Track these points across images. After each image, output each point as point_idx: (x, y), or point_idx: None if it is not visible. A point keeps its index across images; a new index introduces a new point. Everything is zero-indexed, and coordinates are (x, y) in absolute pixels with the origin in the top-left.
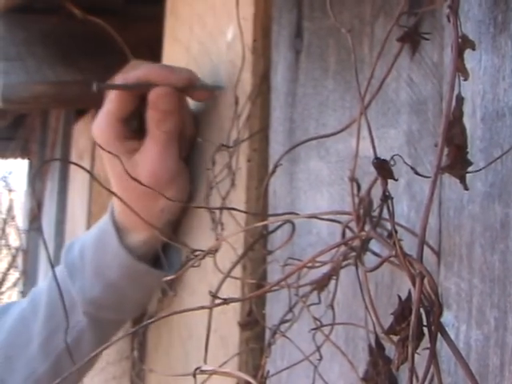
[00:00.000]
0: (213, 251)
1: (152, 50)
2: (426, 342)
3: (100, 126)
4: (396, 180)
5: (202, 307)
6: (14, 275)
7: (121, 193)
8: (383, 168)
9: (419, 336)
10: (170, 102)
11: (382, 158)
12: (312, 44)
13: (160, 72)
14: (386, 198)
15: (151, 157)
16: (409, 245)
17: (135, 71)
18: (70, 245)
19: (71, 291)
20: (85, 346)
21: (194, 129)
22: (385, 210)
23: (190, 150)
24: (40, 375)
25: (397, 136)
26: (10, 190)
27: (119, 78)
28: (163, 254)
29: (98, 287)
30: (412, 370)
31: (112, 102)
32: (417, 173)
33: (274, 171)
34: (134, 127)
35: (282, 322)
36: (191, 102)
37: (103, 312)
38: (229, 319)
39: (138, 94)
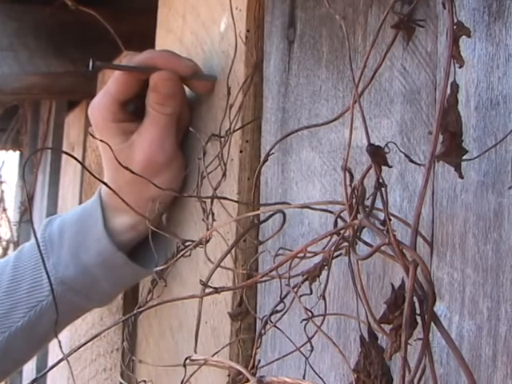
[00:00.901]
0: (204, 241)
1: (145, 41)
2: (417, 333)
3: (97, 106)
4: (390, 167)
5: (193, 296)
6: None
7: (112, 175)
8: (377, 154)
9: (412, 324)
10: (173, 86)
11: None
12: (305, 34)
13: (166, 57)
14: (380, 185)
15: (149, 137)
16: (401, 235)
17: (141, 55)
18: (50, 219)
19: (42, 267)
20: (42, 326)
21: (189, 118)
22: (378, 200)
23: (183, 138)
24: None
25: (390, 126)
26: (1, 182)
27: (124, 61)
28: (148, 247)
29: (72, 268)
30: (405, 359)
31: (114, 83)
32: (411, 161)
33: (265, 160)
34: (130, 110)
35: (273, 312)
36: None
37: (70, 294)
38: (220, 310)
39: (141, 78)
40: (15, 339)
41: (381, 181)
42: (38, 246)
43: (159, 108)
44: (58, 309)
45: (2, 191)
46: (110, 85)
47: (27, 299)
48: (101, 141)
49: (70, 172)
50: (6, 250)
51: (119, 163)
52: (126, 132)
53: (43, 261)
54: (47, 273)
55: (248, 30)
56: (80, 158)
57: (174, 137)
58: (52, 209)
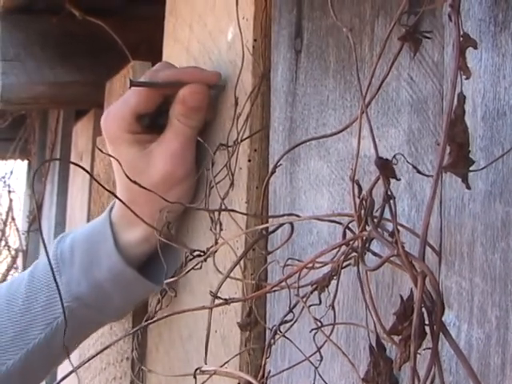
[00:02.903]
0: (213, 253)
1: (152, 50)
2: (426, 342)
3: (113, 116)
4: (398, 179)
5: (203, 307)
6: (13, 276)
7: (127, 185)
8: (386, 167)
9: (421, 335)
10: (201, 100)
11: (384, 157)
12: (312, 43)
13: (191, 71)
14: (389, 197)
15: (172, 148)
16: (409, 244)
17: (165, 71)
18: (61, 237)
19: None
20: (58, 342)
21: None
22: (386, 210)
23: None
24: (9, 369)
25: (397, 135)
26: (9, 192)
27: (147, 76)
28: (158, 260)
29: (84, 284)
30: (414, 369)
31: (134, 95)
32: (419, 172)
33: (273, 171)
34: (145, 123)
35: (283, 322)
36: None
37: (85, 310)
38: (229, 319)
39: (162, 94)
40: (33, 356)
41: (389, 193)
42: (49, 259)
43: (185, 120)
44: (69, 324)
45: (11, 200)
46: (130, 97)
47: (43, 316)
48: (108, 155)
49: (78, 181)
50: (14, 258)
51: (128, 178)
52: (141, 142)
53: (54, 276)
54: (58, 288)
55: (255, 40)
56: (88, 167)
57: (194, 150)
58: (60, 218)
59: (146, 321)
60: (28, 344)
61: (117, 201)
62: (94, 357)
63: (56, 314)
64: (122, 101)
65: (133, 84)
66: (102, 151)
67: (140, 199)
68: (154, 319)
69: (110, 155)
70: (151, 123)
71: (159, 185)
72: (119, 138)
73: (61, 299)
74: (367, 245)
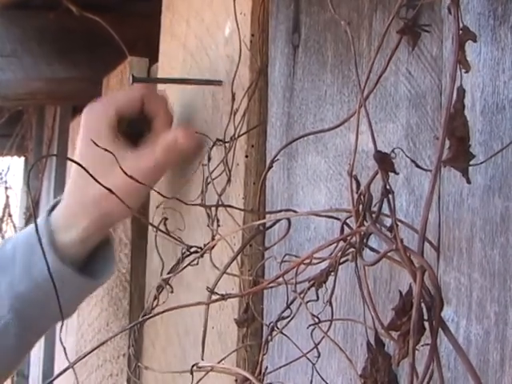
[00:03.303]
0: (210, 249)
1: (149, 46)
2: (424, 338)
3: (96, 111)
4: (397, 174)
5: (200, 303)
6: None
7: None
8: (384, 161)
9: (420, 330)
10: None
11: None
12: (310, 38)
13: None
14: (387, 191)
15: (147, 165)
16: (407, 240)
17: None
18: (5, 240)
19: (0, 285)
20: (9, 340)
21: None
22: (384, 205)
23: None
24: None
25: (395, 130)
26: (6, 188)
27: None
28: (97, 259)
29: (26, 283)
30: (413, 365)
31: (121, 97)
32: (418, 166)
33: (270, 166)
34: (122, 128)
35: (280, 318)
36: (187, 97)
37: (29, 309)
38: (226, 316)
39: (141, 104)
40: None
41: (388, 187)
42: (45, 257)
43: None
44: (16, 324)
45: (8, 197)
46: (117, 97)
47: None
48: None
49: None
50: None
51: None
52: (116, 145)
53: (53, 283)
54: (54, 284)
55: (252, 35)
56: None
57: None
58: None
59: (142, 317)
60: None
61: (60, 204)
62: (89, 353)
63: (1, 313)
64: (109, 99)
65: (136, 80)
66: (97, 145)
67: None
68: (151, 315)
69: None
70: (127, 129)
71: (121, 189)
72: (98, 132)
73: (58, 300)
74: (365, 240)
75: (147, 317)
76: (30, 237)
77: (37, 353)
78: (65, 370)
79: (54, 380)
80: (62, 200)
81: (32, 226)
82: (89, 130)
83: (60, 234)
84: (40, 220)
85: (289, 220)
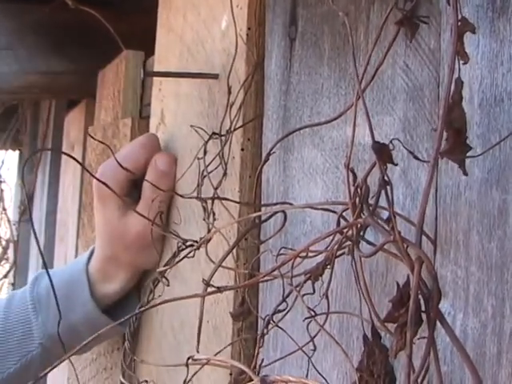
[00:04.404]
0: (205, 242)
1: (145, 40)
2: (421, 331)
3: (108, 178)
4: (396, 164)
5: (195, 295)
6: (4, 267)
7: (106, 242)
8: (383, 152)
9: (418, 322)
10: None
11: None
12: (306, 31)
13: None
14: (385, 183)
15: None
16: (404, 233)
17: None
18: (37, 276)
19: (32, 322)
20: (31, 373)
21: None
22: (381, 198)
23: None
24: None
25: (392, 123)
26: (0, 182)
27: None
28: (122, 303)
29: (60, 326)
30: (410, 357)
31: (131, 161)
32: (416, 157)
33: (266, 159)
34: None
35: (276, 311)
36: (183, 90)
37: (59, 348)
38: (222, 309)
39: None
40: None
41: (386, 179)
42: (45, 263)
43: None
44: (43, 358)
45: (2, 190)
46: (128, 161)
47: (18, 349)
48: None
49: (69, 171)
50: (5, 249)
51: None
52: (124, 206)
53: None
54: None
55: (249, 28)
56: (80, 158)
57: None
58: (52, 208)
59: (138, 310)
60: (3, 373)
61: (94, 255)
62: (84, 345)
63: (30, 347)
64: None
65: (147, 74)
66: (93, 138)
67: (120, 256)
68: (146, 307)
69: (102, 142)
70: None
71: (133, 245)
72: (109, 199)
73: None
74: (362, 233)
75: (142, 309)
76: (68, 284)
77: None
78: (60, 362)
79: (49, 371)
80: (96, 249)
81: (70, 271)
82: (99, 193)
83: (100, 286)
84: (79, 269)
85: (284, 213)
